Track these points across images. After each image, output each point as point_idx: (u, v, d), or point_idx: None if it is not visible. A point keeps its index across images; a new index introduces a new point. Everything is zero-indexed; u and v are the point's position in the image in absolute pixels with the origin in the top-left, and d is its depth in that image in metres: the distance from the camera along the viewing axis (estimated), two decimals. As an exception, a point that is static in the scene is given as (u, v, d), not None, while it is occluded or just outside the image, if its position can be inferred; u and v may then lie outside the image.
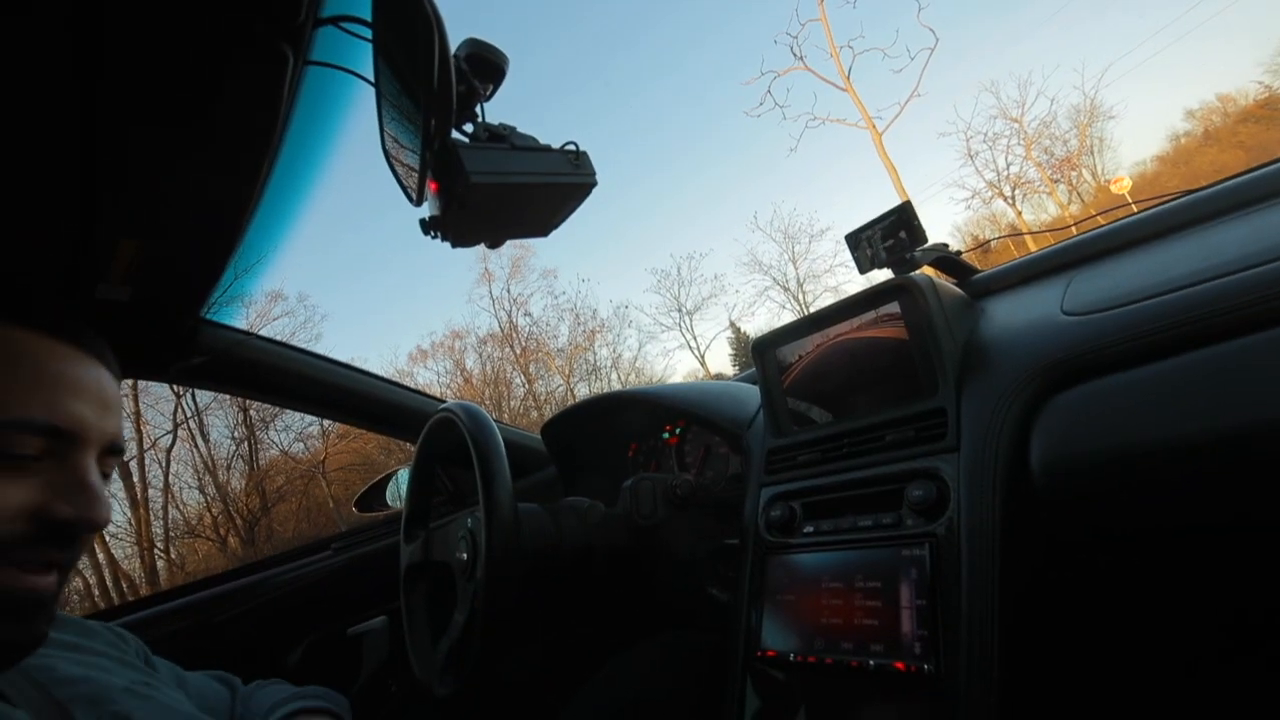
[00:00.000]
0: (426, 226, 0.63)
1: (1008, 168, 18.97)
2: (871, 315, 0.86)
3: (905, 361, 0.81)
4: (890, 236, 0.98)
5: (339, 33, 0.62)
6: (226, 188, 0.73)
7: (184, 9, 0.51)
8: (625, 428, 1.34)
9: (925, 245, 0.99)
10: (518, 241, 0.73)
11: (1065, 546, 0.69)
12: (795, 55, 9.93)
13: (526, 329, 18.72)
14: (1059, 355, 0.69)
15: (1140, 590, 0.73)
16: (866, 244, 1.01)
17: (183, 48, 0.55)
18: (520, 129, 0.64)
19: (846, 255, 1.04)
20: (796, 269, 19.65)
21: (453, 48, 0.58)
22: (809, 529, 0.80)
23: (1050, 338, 0.72)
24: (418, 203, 0.67)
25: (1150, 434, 0.59)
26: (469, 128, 0.64)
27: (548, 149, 0.61)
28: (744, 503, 0.92)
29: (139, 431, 12.75)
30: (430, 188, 0.61)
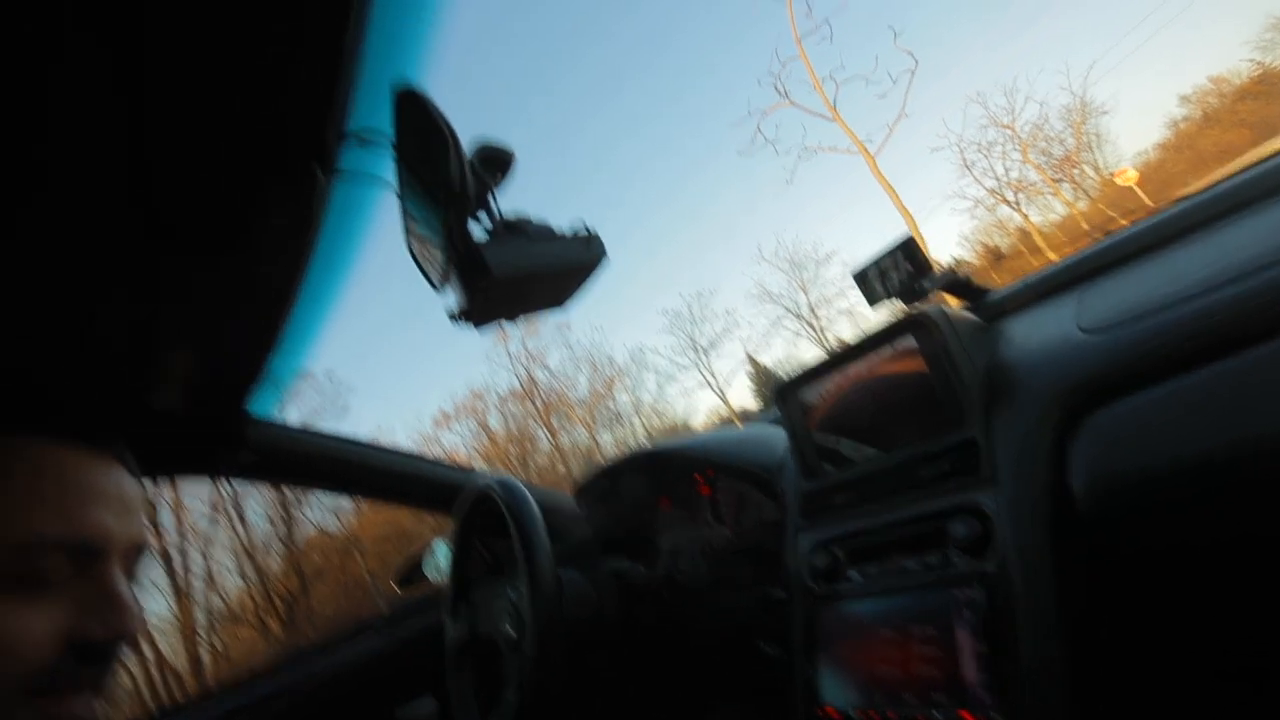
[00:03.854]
0: (454, 316, 0.67)
1: (1007, 173, 19.06)
2: (889, 351, 0.87)
3: (928, 394, 0.81)
4: (896, 269, 1.00)
5: (362, 144, 0.67)
6: (266, 294, 0.78)
7: (221, 138, 0.56)
8: (656, 481, 1.34)
9: (933, 273, 1.00)
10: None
11: (1118, 570, 0.67)
12: (779, 93, 10.22)
13: (546, 382, 18.88)
14: (1082, 376, 0.68)
15: (1203, 609, 0.71)
16: (874, 279, 1.02)
17: (221, 172, 0.60)
18: (522, 176, 0.68)
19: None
20: (807, 295, 19.69)
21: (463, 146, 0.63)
22: (855, 576, 0.79)
23: (1071, 358, 0.72)
24: (440, 290, 0.71)
25: (1189, 447, 0.58)
26: (485, 219, 0.68)
27: (561, 235, 0.65)
28: (785, 551, 0.91)
29: (179, 520, 12.94)
30: (455, 279, 0.65)
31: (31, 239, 0.60)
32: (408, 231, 0.72)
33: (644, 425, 19.75)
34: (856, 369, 0.90)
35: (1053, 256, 18.21)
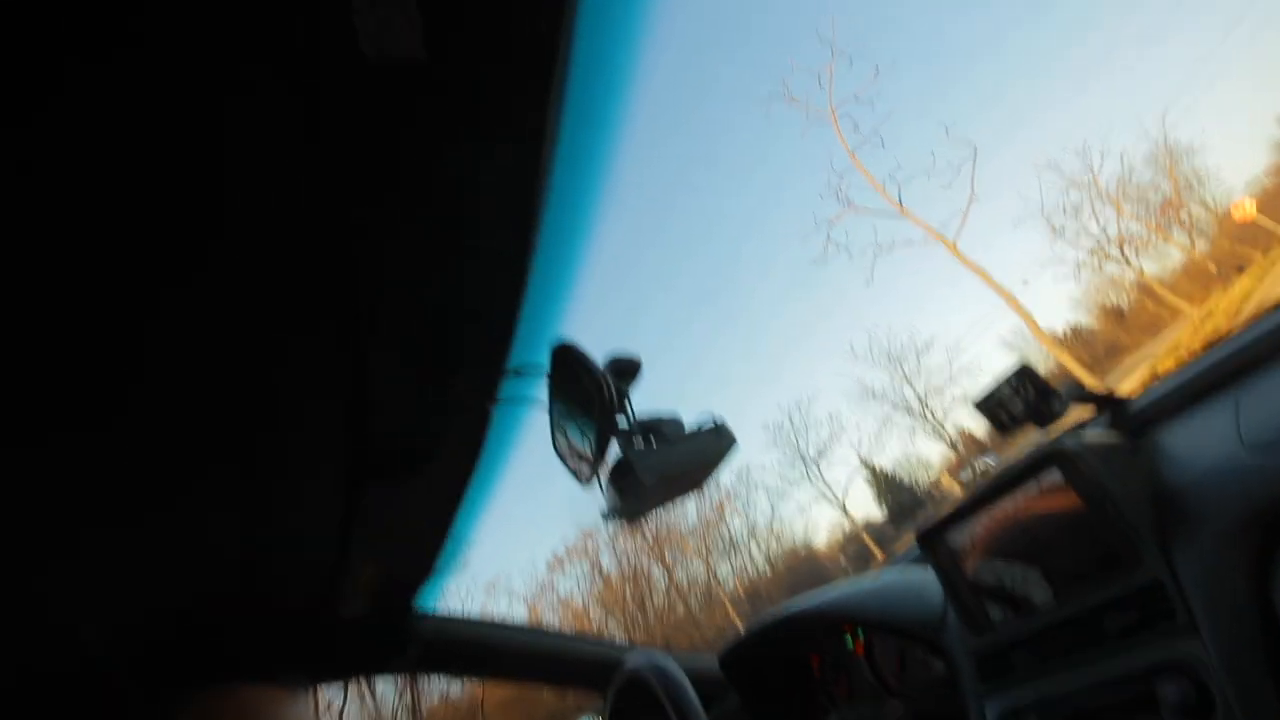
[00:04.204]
0: (608, 516, 0.74)
1: (1104, 230, 18.05)
2: (1035, 486, 0.84)
3: (1090, 530, 0.77)
4: (1019, 395, 0.99)
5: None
6: (441, 511, 0.90)
7: (425, 390, 0.71)
8: (804, 641, 1.28)
9: (1062, 393, 0.98)
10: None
11: None
12: (841, 201, 10.60)
13: (654, 514, 18.52)
14: (1265, 501, 0.64)
15: None
16: (998, 407, 1.01)
17: (421, 412, 0.75)
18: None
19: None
20: (914, 388, 18.71)
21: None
22: (1061, 752, 0.71)
23: (1248, 480, 0.67)
24: (586, 486, 0.80)
25: None
26: (624, 422, 0.78)
27: (695, 433, 0.73)
28: (966, 716, 0.84)
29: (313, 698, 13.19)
30: (607, 485, 0.73)
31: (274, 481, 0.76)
32: (555, 438, 0.82)
33: (762, 550, 18.59)
34: (1003, 507, 0.87)
35: (1184, 306, 16.43)
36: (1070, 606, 0.77)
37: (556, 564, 18.21)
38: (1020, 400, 0.98)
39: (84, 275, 0.43)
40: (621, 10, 0.52)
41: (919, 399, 18.55)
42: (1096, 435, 0.84)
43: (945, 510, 0.95)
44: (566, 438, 0.82)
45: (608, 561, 18.22)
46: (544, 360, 0.72)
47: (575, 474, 0.83)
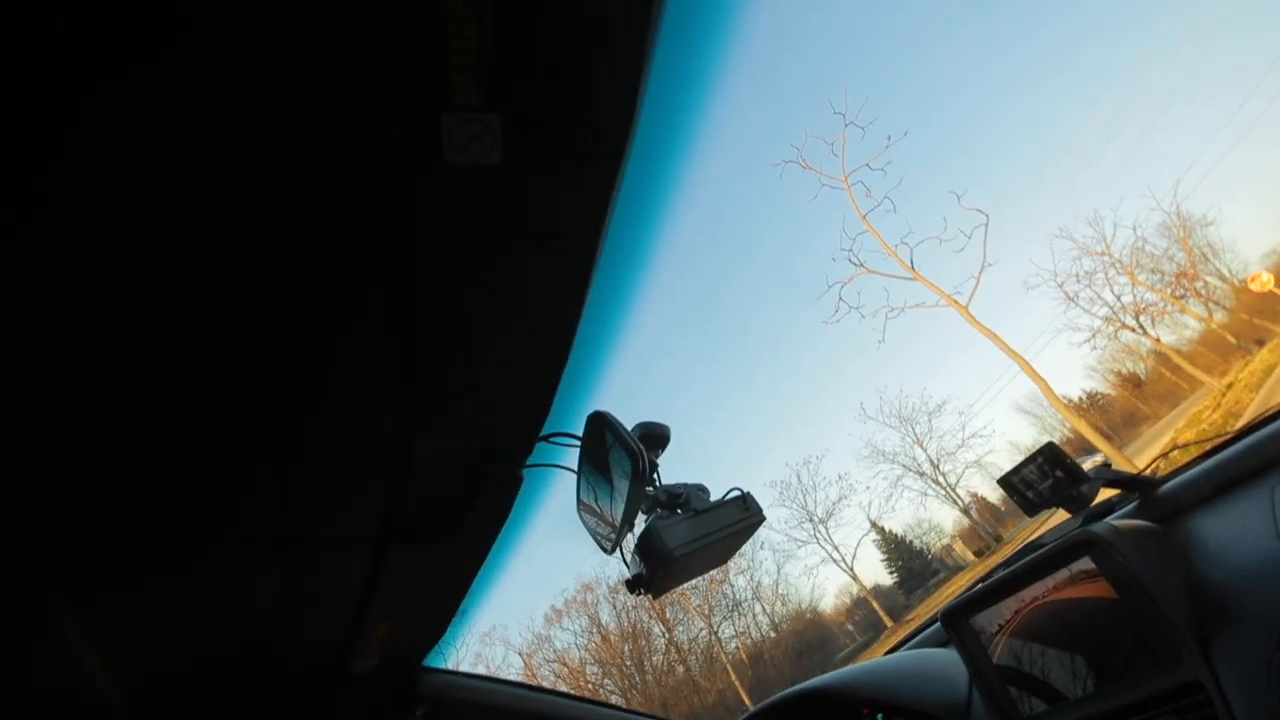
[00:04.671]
0: (633, 586, 0.74)
1: (1119, 299, 18.07)
2: (1065, 573, 0.83)
3: (1124, 621, 0.75)
4: (1046, 476, 0.98)
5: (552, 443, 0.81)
6: (461, 573, 0.90)
7: (457, 461, 0.72)
8: (823, 720, 1.23)
9: (1090, 474, 0.97)
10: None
11: None
12: (854, 264, 10.75)
13: (658, 569, 18.01)
14: None
15: None
16: (1024, 486, 1.01)
17: (451, 482, 0.76)
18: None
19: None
20: (925, 450, 18.40)
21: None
22: None
23: None
24: (610, 553, 0.80)
25: None
26: (652, 492, 0.78)
27: (721, 503, 0.73)
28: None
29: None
30: (635, 557, 0.73)
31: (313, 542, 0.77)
32: (583, 506, 0.83)
33: (767, 612, 17.95)
34: (1032, 592, 0.86)
35: (1203, 378, 16.20)
36: (1104, 700, 0.75)
37: (555, 617, 17.68)
38: (1047, 480, 0.98)
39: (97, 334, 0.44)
40: (682, 100, 0.56)
41: (931, 462, 18.23)
42: (1128, 523, 0.83)
43: (971, 590, 0.93)
44: (595, 506, 0.83)
45: (606, 616, 17.66)
46: (576, 428, 0.74)
47: (601, 543, 0.83)
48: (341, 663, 1.02)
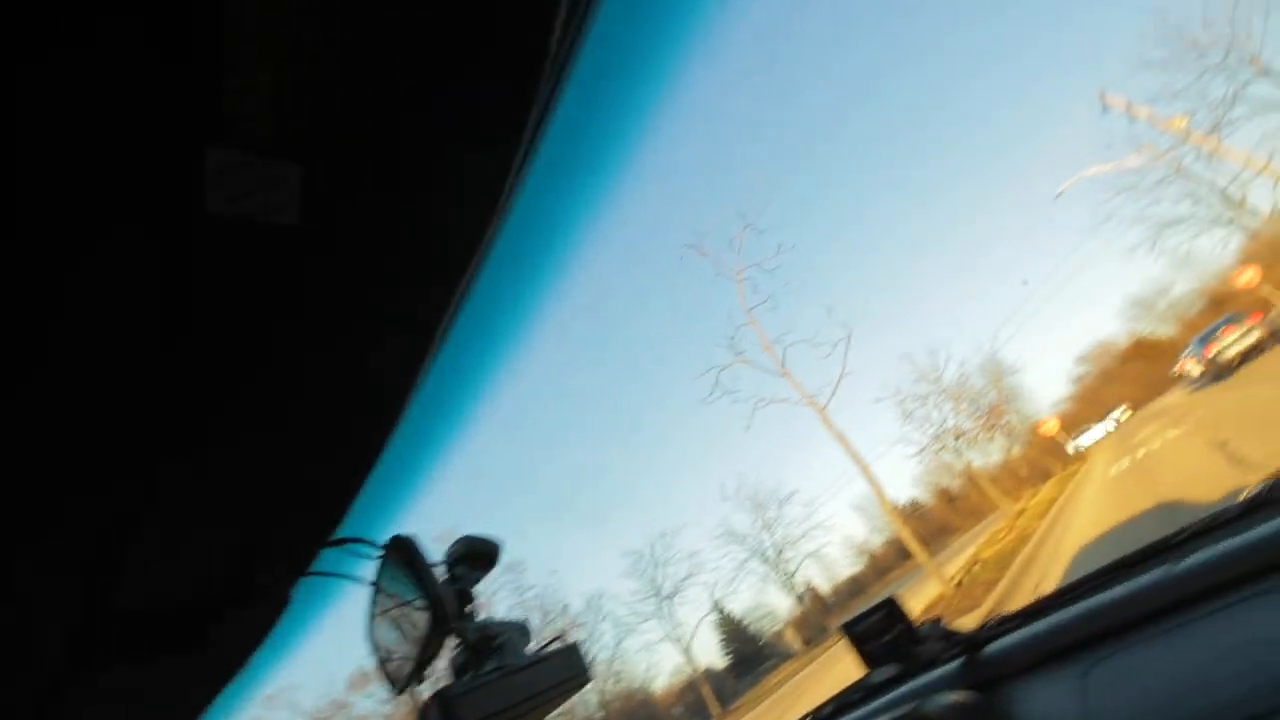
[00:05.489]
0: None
1: (944, 422, 20.68)
2: (895, 749, 0.79)
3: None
4: (886, 630, 0.97)
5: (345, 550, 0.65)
6: (214, 681, 0.70)
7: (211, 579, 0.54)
8: None
9: (923, 632, 0.97)
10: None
11: None
12: (735, 352, 11.37)
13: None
14: None
15: None
16: (865, 638, 0.99)
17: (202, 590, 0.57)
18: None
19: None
20: (772, 536, 19.30)
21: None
22: None
23: None
24: (398, 695, 0.64)
25: None
26: (460, 636, 0.64)
27: (541, 657, 0.61)
28: None
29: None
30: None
31: None
32: (375, 638, 0.66)
33: (598, 688, 17.28)
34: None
35: (1001, 502, 18.78)
36: None
37: (361, 680, 15.71)
38: (888, 634, 0.96)
39: None
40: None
41: (775, 548, 19.11)
42: (952, 697, 0.81)
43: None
44: (385, 640, 0.67)
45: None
46: (373, 547, 0.59)
47: (391, 683, 0.66)
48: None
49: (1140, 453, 8.73)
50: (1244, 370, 9.28)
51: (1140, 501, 4.96)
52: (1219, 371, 10.25)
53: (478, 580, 0.69)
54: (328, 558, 0.65)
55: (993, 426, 21.59)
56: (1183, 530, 0.87)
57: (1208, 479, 4.07)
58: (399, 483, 0.64)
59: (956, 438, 20.83)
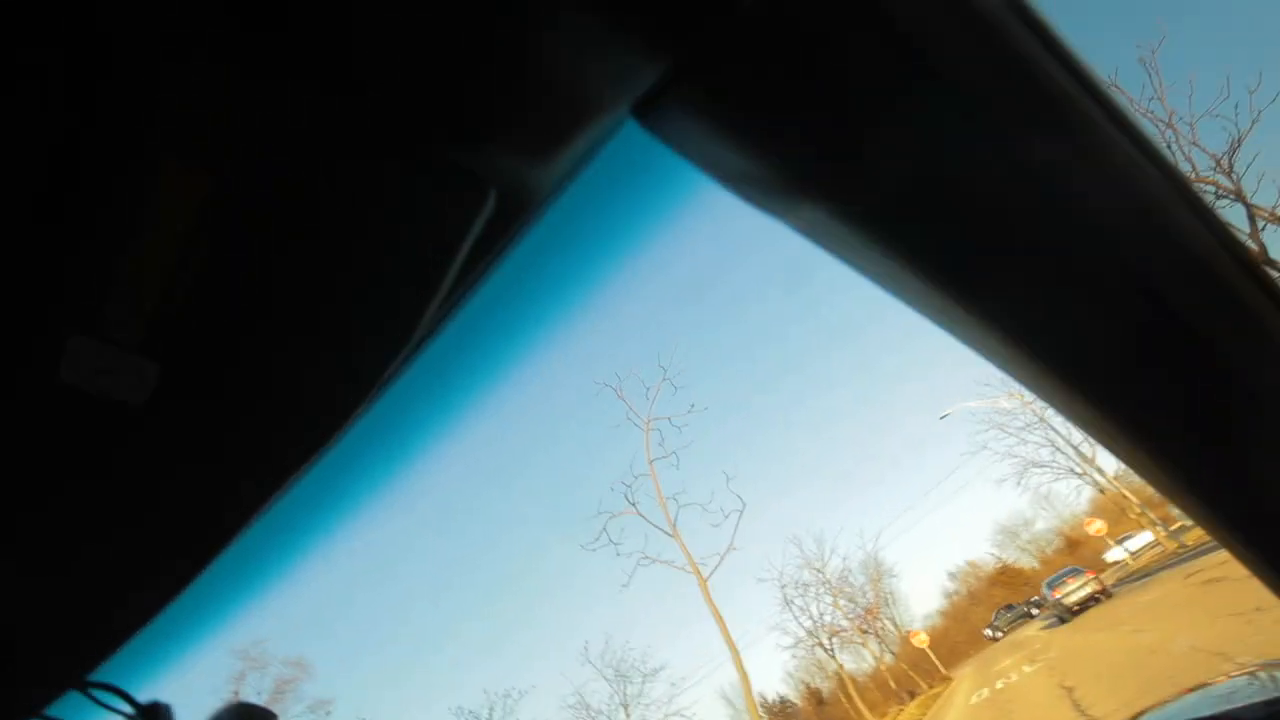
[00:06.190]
0: None
1: (821, 616, 20.51)
2: None
3: None
4: None
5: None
6: None
7: None
8: None
9: None
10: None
11: None
12: (628, 501, 11.16)
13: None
14: None
15: None
16: None
17: None
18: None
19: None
20: (628, 716, 17.50)
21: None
22: None
23: None
24: None
25: None
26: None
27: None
28: None
29: None
30: None
31: None
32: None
33: None
34: None
35: (866, 715, 18.20)
36: None
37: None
38: None
39: None
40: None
41: (630, 732, 17.26)
42: None
43: None
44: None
45: None
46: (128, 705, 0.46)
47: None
48: None
49: (999, 684, 8.97)
50: (1084, 617, 10.05)
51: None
52: (1063, 614, 11.02)
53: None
54: (67, 702, 0.51)
55: (866, 630, 21.65)
56: None
57: (1054, 722, 4.29)
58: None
59: (832, 636, 20.62)
